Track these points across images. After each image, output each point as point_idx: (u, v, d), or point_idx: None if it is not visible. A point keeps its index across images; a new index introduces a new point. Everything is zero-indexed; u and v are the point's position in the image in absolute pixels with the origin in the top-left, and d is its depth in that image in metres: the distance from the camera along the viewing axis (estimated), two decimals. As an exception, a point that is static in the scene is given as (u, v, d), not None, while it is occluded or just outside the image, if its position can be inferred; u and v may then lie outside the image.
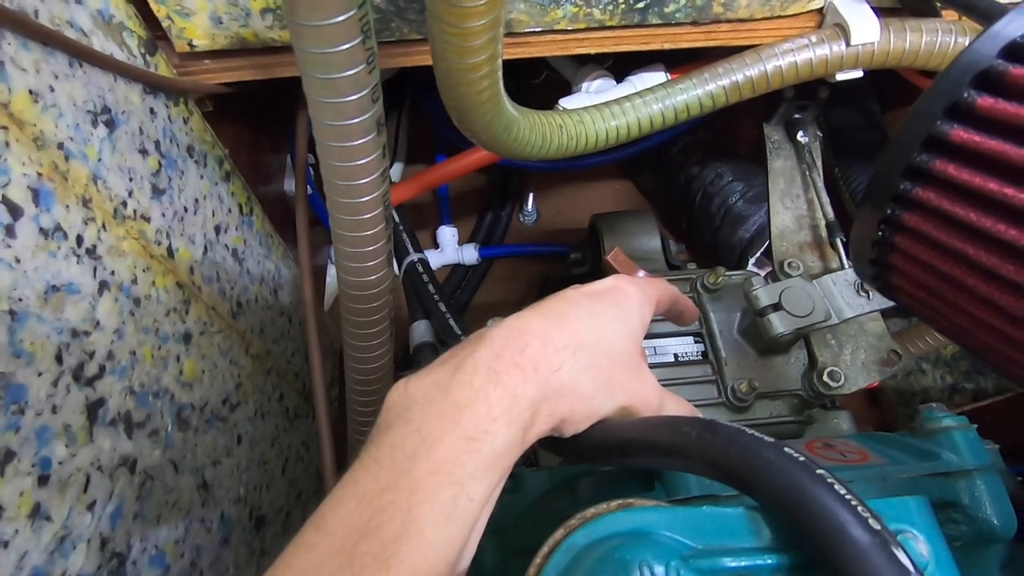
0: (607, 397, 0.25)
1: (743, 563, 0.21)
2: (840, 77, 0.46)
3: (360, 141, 0.31)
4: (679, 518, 0.23)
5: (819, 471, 0.18)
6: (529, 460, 0.50)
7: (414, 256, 0.72)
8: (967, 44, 0.43)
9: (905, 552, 0.17)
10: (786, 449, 0.19)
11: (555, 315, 0.25)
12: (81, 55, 0.34)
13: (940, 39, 0.43)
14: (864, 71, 0.46)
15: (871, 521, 0.17)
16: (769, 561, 0.21)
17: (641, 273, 0.52)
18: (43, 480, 0.28)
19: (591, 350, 0.24)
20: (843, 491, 0.18)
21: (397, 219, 0.73)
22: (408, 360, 0.72)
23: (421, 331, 0.70)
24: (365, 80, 0.28)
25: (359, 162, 0.32)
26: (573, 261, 0.72)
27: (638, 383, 0.26)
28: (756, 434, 0.20)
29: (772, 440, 0.20)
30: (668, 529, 0.23)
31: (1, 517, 0.26)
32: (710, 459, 0.21)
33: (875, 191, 0.21)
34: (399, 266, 0.73)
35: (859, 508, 0.17)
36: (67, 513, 0.29)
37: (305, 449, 0.65)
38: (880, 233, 0.21)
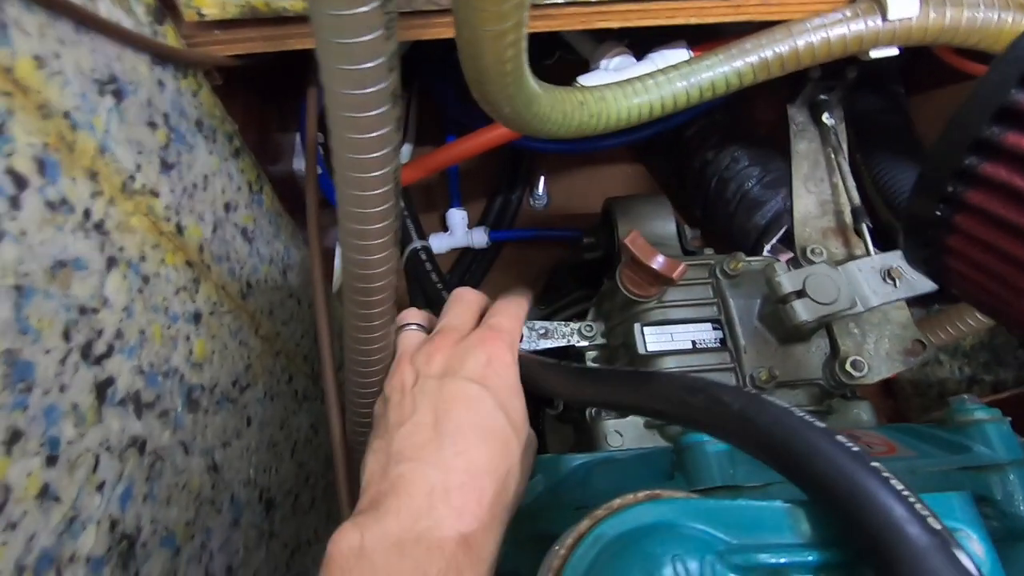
0: (515, 460, 0.30)
1: (783, 559, 0.20)
2: (874, 55, 0.44)
3: (374, 112, 0.29)
4: (711, 511, 0.22)
5: (873, 463, 0.17)
6: (539, 448, 0.49)
7: (417, 243, 0.71)
8: (1010, 21, 0.41)
9: (966, 553, 0.16)
10: (838, 437, 0.18)
11: (463, 452, 0.28)
12: (87, 21, 0.32)
13: (983, 15, 0.41)
14: (900, 48, 0.44)
15: (930, 520, 0.16)
16: (810, 558, 0.20)
17: (660, 257, 0.50)
18: (51, 460, 0.27)
19: (491, 459, 0.29)
20: (900, 486, 0.17)
21: (402, 204, 0.72)
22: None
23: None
24: (382, 47, 0.27)
25: (371, 135, 0.30)
26: (587, 246, 0.71)
27: (520, 425, 0.32)
28: (805, 417, 0.19)
29: (823, 425, 0.19)
30: (700, 522, 0.21)
31: (9, 498, 0.25)
32: (749, 437, 0.20)
33: (935, 168, 0.19)
34: (401, 253, 0.72)
35: (917, 505, 0.16)
36: (76, 494, 0.29)
37: (314, 432, 0.64)
38: (938, 213, 0.20)
